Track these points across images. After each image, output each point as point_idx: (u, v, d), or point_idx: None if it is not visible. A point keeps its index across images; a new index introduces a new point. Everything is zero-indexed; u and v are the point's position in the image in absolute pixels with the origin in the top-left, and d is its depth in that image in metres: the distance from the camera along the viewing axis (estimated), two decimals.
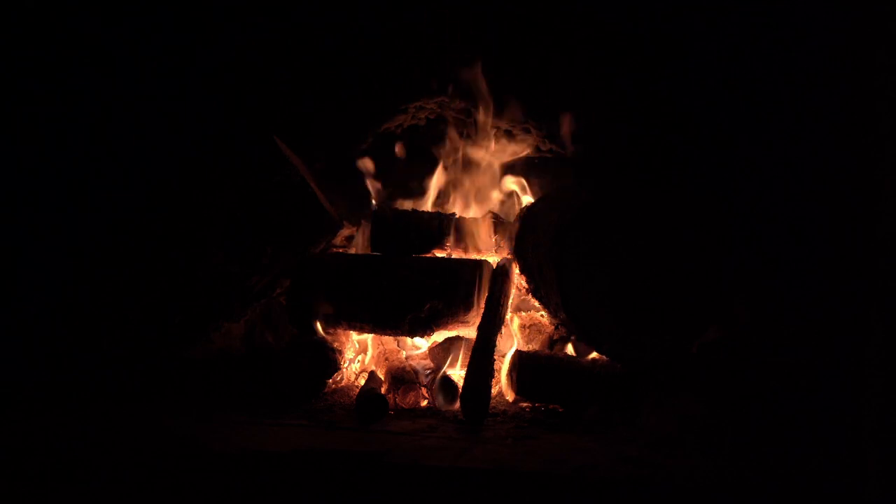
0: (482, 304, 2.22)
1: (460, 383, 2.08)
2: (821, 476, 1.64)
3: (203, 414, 2.01)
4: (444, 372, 2.22)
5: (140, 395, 2.17)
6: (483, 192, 2.77)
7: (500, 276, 2.30)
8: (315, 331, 2.34)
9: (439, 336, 2.37)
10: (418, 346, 2.45)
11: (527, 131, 2.74)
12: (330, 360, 2.27)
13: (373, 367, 2.38)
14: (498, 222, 2.56)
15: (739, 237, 2.20)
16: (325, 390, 2.29)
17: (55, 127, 2.47)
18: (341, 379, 2.37)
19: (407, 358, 2.39)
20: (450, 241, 2.47)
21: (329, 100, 2.69)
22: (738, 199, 2.29)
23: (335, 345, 2.32)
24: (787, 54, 2.31)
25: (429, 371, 2.27)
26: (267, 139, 2.42)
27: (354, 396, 2.21)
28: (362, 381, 2.30)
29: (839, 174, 2.16)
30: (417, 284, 2.24)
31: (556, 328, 2.33)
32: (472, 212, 2.71)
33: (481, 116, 2.72)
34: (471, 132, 2.80)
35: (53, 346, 2.26)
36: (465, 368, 2.10)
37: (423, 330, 2.24)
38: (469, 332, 2.27)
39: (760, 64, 2.35)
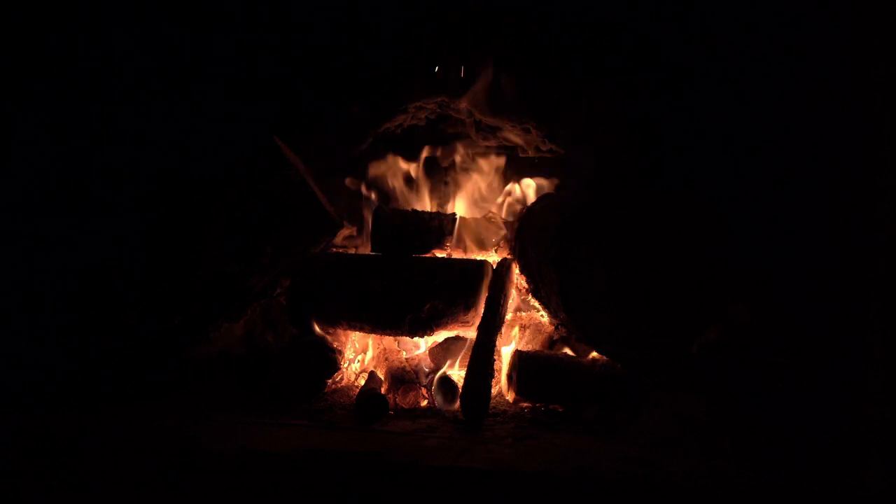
0: (482, 304, 2.22)
1: (460, 383, 2.08)
2: (821, 476, 1.64)
3: (203, 414, 2.01)
4: (444, 372, 2.22)
5: (140, 395, 2.17)
6: (483, 192, 2.77)
7: (500, 276, 2.30)
8: (315, 331, 2.34)
9: (439, 336, 2.37)
10: (418, 346, 2.45)
11: (527, 131, 2.74)
12: (330, 360, 2.27)
13: (373, 367, 2.38)
14: (498, 222, 2.56)
15: (739, 237, 2.20)
16: (325, 390, 2.29)
17: (56, 127, 2.47)
18: (341, 379, 2.37)
19: (407, 358, 2.39)
20: (450, 241, 2.47)
21: (329, 99, 2.69)
22: (738, 199, 2.29)
23: (335, 345, 2.33)
24: (788, 55, 2.31)
25: (429, 371, 2.27)
26: (267, 139, 2.42)
27: (354, 396, 2.21)
28: (362, 381, 2.30)
29: (839, 174, 2.16)
30: (417, 284, 2.24)
31: (556, 328, 2.33)
32: (472, 212, 2.72)
33: (481, 117, 2.73)
34: (471, 132, 2.80)
35: (53, 347, 2.26)
36: (465, 368, 2.10)
37: (423, 330, 2.23)
38: (469, 332, 2.27)
39: (761, 64, 2.35)
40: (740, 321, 2.13)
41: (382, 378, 2.27)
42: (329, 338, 2.34)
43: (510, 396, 2.21)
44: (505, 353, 2.30)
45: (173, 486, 1.68)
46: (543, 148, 2.76)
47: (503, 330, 2.25)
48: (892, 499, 1.64)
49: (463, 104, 2.69)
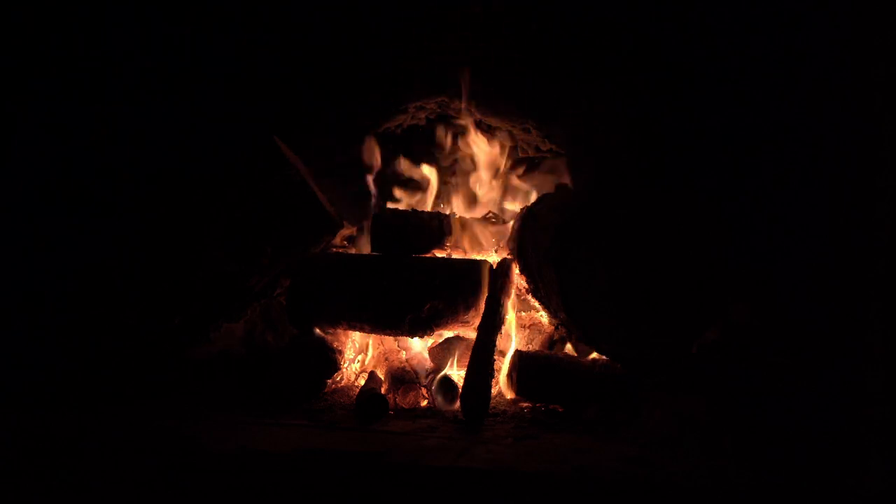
0: (482, 304, 2.22)
1: (460, 383, 2.08)
2: (821, 476, 1.64)
3: (203, 414, 2.01)
4: (444, 372, 2.22)
5: (140, 395, 2.17)
6: (483, 192, 2.77)
7: (500, 276, 2.30)
8: (315, 331, 2.34)
9: (439, 336, 2.37)
10: (418, 346, 2.45)
11: (527, 131, 2.74)
12: (330, 360, 2.27)
13: (373, 367, 2.38)
14: (498, 222, 2.56)
15: (739, 237, 2.20)
16: (325, 390, 2.29)
17: (56, 127, 2.47)
18: (341, 379, 2.37)
19: (407, 358, 2.39)
20: (450, 241, 2.47)
21: (329, 99, 2.69)
22: (738, 199, 2.29)
23: (335, 345, 2.33)
24: (788, 55, 2.31)
25: (429, 371, 2.27)
26: (267, 139, 2.42)
27: (354, 396, 2.21)
28: (362, 381, 2.30)
29: (839, 174, 2.16)
30: (417, 284, 2.24)
31: (556, 328, 2.33)
32: (472, 212, 2.71)
33: (481, 117, 2.73)
34: (470, 132, 2.80)
35: (53, 347, 2.26)
36: (465, 368, 2.10)
37: (423, 330, 2.23)
38: (469, 332, 2.27)
39: (761, 64, 2.35)
40: (740, 321, 2.13)
41: (382, 378, 2.27)
42: (329, 338, 2.34)
43: (510, 396, 2.21)
44: (505, 353, 2.30)
45: (173, 486, 1.68)
46: (543, 148, 2.76)
47: (503, 330, 2.25)
48: (893, 499, 1.64)
49: (462, 104, 2.69)
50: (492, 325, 2.15)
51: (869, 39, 2.06)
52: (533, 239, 2.28)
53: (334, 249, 2.66)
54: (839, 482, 1.62)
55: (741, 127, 2.36)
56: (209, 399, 2.16)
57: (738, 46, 2.37)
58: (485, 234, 2.57)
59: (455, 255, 2.49)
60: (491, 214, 2.62)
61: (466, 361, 2.12)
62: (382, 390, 2.17)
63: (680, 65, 2.46)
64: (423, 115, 2.80)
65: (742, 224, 2.24)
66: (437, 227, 2.44)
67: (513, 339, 2.37)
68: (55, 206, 2.42)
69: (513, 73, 2.63)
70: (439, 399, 2.13)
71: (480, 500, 1.61)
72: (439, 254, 2.47)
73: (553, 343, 2.40)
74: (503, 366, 2.27)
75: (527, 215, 2.44)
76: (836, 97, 2.19)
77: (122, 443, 1.78)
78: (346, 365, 2.38)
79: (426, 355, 2.40)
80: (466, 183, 2.81)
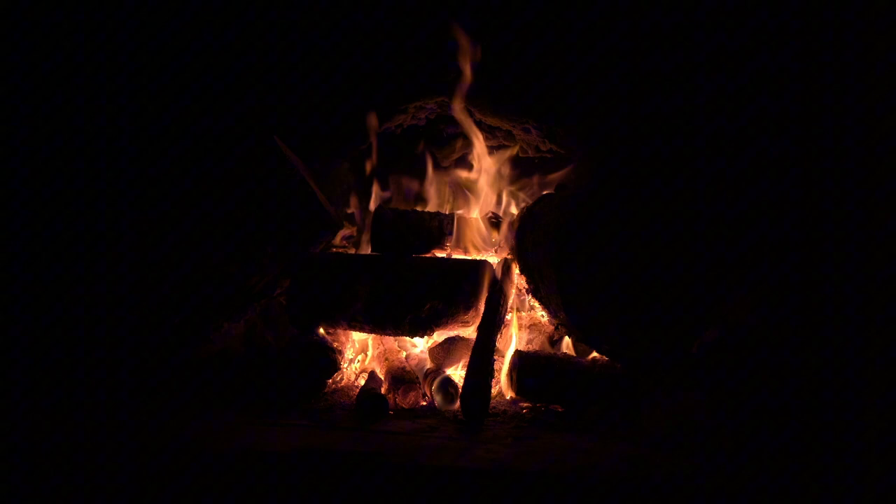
0: (482, 304, 2.22)
1: (460, 383, 2.08)
2: (821, 476, 1.64)
3: (203, 414, 2.02)
4: (444, 372, 2.22)
5: (140, 395, 2.17)
6: (483, 192, 2.77)
7: (500, 276, 2.30)
8: (315, 330, 2.34)
9: (439, 336, 2.37)
10: (418, 346, 2.45)
11: (527, 131, 2.74)
12: (330, 360, 2.27)
13: (373, 367, 2.38)
14: (498, 222, 2.57)
15: (739, 237, 2.20)
16: (325, 390, 2.29)
17: (55, 128, 2.48)
18: (341, 379, 2.37)
19: (407, 358, 2.39)
20: (450, 241, 2.47)
21: (329, 99, 2.69)
22: (738, 199, 2.29)
23: (335, 345, 2.33)
24: (789, 55, 2.31)
25: (429, 371, 2.27)
26: (267, 139, 2.42)
27: (354, 396, 2.21)
28: (362, 381, 2.30)
29: (839, 174, 2.16)
30: (417, 284, 2.24)
31: (556, 328, 2.33)
32: (472, 212, 2.72)
33: (482, 117, 2.73)
34: (470, 132, 2.80)
35: (53, 347, 2.26)
36: (465, 368, 2.10)
37: (423, 330, 2.24)
38: (469, 332, 2.27)
39: (761, 64, 2.35)
40: (740, 321, 2.13)
41: (382, 378, 2.27)
42: (329, 338, 2.34)
43: (510, 396, 2.21)
44: (505, 353, 2.31)
45: (173, 486, 1.68)
46: (543, 148, 2.76)
47: (503, 330, 2.25)
48: (893, 499, 1.64)
49: (462, 104, 2.69)
50: (492, 325, 2.15)
51: (869, 39, 2.06)
52: (533, 239, 2.28)
53: (334, 249, 2.66)
54: (839, 482, 1.62)
55: (741, 127, 2.36)
56: (209, 399, 2.16)
57: (738, 46, 2.37)
58: (485, 234, 2.57)
59: (455, 255, 2.49)
60: (491, 214, 2.62)
61: (466, 361, 2.12)
62: (382, 390, 2.17)
63: (680, 64, 2.46)
64: (423, 116, 2.80)
65: (742, 224, 2.24)
66: (437, 227, 2.45)
67: (513, 339, 2.38)
68: (55, 207, 2.42)
69: (513, 73, 2.63)
70: (439, 399, 2.13)
71: (480, 500, 1.61)
72: (439, 254, 2.48)
73: (553, 343, 2.40)
74: (503, 366, 2.27)
75: (527, 215, 2.44)
76: (836, 97, 2.19)
77: (122, 443, 1.78)
78: (346, 365, 2.38)
79: (426, 355, 2.40)
80: (467, 183, 2.81)
